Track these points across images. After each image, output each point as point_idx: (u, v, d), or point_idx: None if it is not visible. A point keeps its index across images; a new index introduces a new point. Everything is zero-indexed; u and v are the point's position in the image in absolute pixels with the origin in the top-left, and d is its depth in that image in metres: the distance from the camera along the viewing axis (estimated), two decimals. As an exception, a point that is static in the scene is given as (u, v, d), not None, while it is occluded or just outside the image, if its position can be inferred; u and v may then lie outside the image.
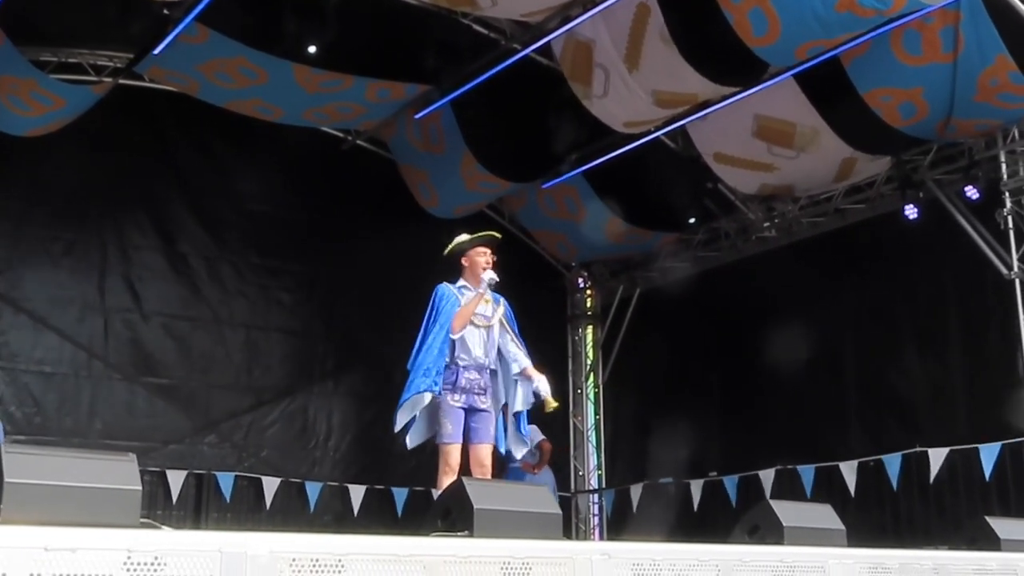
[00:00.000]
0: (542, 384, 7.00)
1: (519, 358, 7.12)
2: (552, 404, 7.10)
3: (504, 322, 7.13)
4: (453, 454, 6.73)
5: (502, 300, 7.12)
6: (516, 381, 7.12)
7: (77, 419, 10.67)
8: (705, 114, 10.64)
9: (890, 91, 9.61)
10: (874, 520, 10.17)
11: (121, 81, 10.54)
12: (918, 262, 10.74)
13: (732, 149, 11.10)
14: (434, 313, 6.84)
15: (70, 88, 10.19)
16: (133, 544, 3.00)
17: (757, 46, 8.91)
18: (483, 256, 6.99)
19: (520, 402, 7.16)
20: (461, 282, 7.02)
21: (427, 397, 6.65)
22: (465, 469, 6.90)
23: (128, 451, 8.87)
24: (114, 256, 11.30)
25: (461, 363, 6.82)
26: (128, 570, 2.97)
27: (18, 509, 3.17)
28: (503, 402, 7.11)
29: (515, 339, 7.16)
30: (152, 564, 3.01)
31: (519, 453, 7.35)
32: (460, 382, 6.77)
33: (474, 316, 6.92)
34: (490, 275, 6.91)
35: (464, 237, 7.11)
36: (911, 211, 10.58)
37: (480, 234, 7.11)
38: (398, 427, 6.78)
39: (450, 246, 7.10)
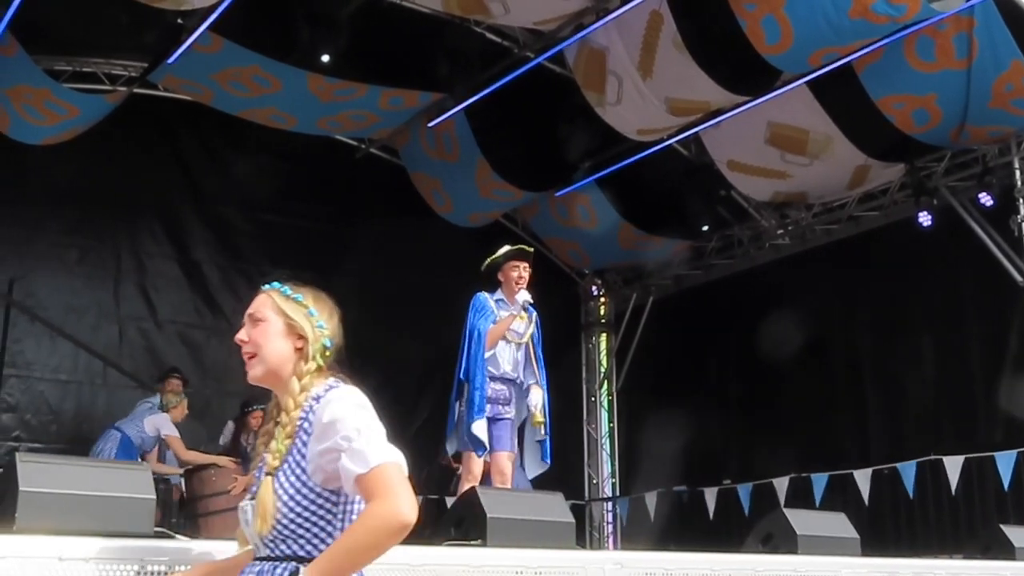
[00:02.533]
0: (534, 395, 7.09)
1: (532, 390, 7.19)
2: (538, 419, 7.13)
3: (531, 341, 7.19)
4: (477, 464, 6.79)
5: (534, 315, 7.17)
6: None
7: (92, 427, 10.68)
8: (718, 122, 10.63)
9: (903, 98, 9.59)
10: (888, 529, 10.13)
11: (135, 90, 10.59)
12: (933, 269, 10.70)
13: (745, 156, 11.08)
14: (471, 326, 6.92)
15: (84, 97, 10.24)
16: (146, 553, 3.01)
17: (770, 54, 8.91)
18: (515, 270, 7.04)
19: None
20: (499, 294, 7.08)
21: (483, 421, 6.69)
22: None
23: (142, 459, 8.83)
24: (128, 264, 11.34)
25: (489, 375, 6.88)
26: (141, 579, 2.98)
27: (33, 518, 3.18)
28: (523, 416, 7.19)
29: (534, 358, 7.22)
30: (165, 573, 3.03)
31: (532, 473, 7.43)
32: (487, 392, 6.83)
33: (507, 332, 6.99)
34: (524, 296, 6.99)
35: (500, 251, 7.15)
36: (925, 218, 10.54)
37: (512, 248, 7.16)
38: (451, 450, 6.93)
39: (487, 262, 7.16)
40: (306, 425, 2.46)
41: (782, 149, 10.75)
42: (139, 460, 8.69)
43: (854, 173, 10.83)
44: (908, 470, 10.26)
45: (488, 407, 6.82)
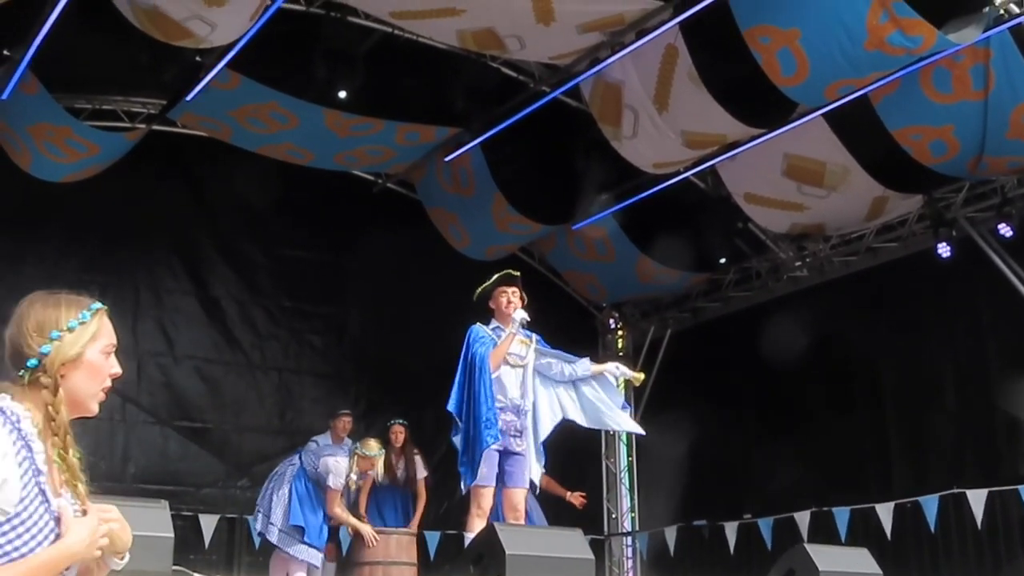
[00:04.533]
0: (621, 368, 7.18)
1: (578, 368, 7.20)
2: (639, 377, 7.30)
3: (542, 351, 7.18)
4: (486, 497, 6.71)
5: (533, 335, 7.15)
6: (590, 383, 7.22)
7: (111, 463, 10.71)
8: (735, 154, 10.62)
9: (920, 129, 9.57)
10: (912, 563, 10.02)
11: (154, 127, 10.67)
12: (953, 300, 10.64)
13: (762, 189, 11.07)
14: (469, 355, 6.85)
15: (104, 135, 10.33)
16: (165, 593, 3.00)
17: (786, 86, 8.91)
18: (504, 296, 7.02)
19: (616, 395, 7.32)
20: (494, 323, 7.05)
21: (494, 453, 6.68)
22: (496, 512, 6.90)
23: (161, 495, 8.91)
24: (147, 300, 11.39)
25: (498, 404, 6.81)
26: (160, 619, 2.96)
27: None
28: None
29: (560, 356, 7.22)
30: (184, 612, 3.01)
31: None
32: (498, 421, 6.77)
33: (508, 355, 6.95)
34: (521, 314, 6.95)
35: (489, 281, 7.16)
36: (944, 249, 10.48)
37: (499, 275, 7.15)
38: (476, 481, 6.74)
39: (477, 292, 7.16)
40: None
41: (799, 181, 10.73)
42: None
43: (872, 204, 10.80)
44: (931, 504, 10.16)
45: (501, 438, 6.77)
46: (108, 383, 2.48)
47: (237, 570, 10.67)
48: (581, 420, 7.37)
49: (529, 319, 7.02)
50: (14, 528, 2.17)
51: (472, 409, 6.73)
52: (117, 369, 2.50)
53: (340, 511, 8.62)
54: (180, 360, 11.40)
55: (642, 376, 7.56)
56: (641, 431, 7.67)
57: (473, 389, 6.74)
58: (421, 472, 9.85)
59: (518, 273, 7.22)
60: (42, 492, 2.28)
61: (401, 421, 9.89)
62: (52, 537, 2.24)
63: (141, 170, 10.71)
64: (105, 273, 11.17)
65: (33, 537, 2.20)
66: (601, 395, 7.37)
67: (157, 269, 11.51)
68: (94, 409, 2.47)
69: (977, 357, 10.48)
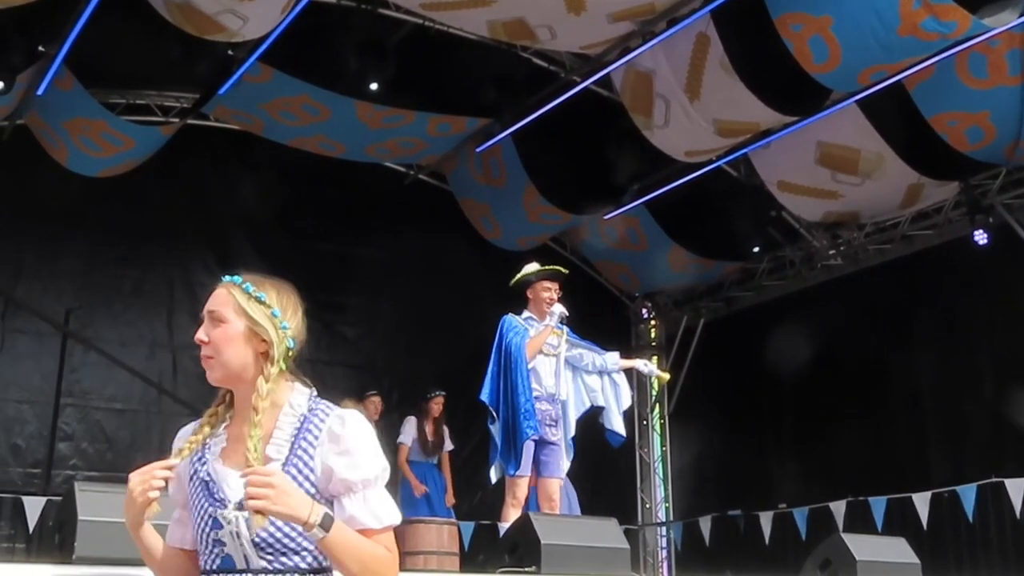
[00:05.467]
0: (650, 365, 7.24)
1: (607, 359, 7.23)
2: (665, 377, 7.40)
3: (572, 342, 7.18)
4: (521, 486, 6.73)
5: (564, 326, 7.14)
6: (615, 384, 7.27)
7: (148, 455, 10.60)
8: (768, 142, 10.57)
9: (956, 115, 9.48)
10: (950, 553, 9.94)
11: (188, 121, 10.73)
12: (990, 288, 10.53)
13: (796, 177, 10.99)
14: (504, 344, 6.85)
15: (139, 129, 10.39)
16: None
17: (819, 73, 8.85)
18: (547, 292, 6.99)
19: (626, 400, 7.36)
20: (526, 313, 7.04)
21: (530, 443, 6.70)
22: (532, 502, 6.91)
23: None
24: (181, 294, 11.45)
25: (535, 394, 6.82)
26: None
27: (92, 547, 3.21)
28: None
29: (590, 348, 7.24)
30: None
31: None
32: (535, 415, 6.77)
33: (544, 345, 6.96)
34: (560, 309, 6.95)
35: (531, 268, 7.12)
36: (981, 236, 10.37)
37: (546, 268, 7.11)
38: (514, 471, 6.79)
39: (518, 276, 7.13)
40: (310, 437, 2.40)
41: (833, 169, 10.66)
42: None
43: (907, 192, 10.70)
44: (968, 493, 10.08)
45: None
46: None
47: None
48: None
49: (568, 315, 7.03)
50: None
51: (511, 400, 6.73)
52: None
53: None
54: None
55: (668, 376, 7.64)
56: (623, 435, 7.67)
57: (510, 380, 6.75)
58: (448, 445, 10.21)
59: (566, 271, 7.21)
60: None
61: (442, 392, 10.17)
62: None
63: (175, 164, 10.77)
64: (140, 267, 11.27)
65: None
66: (610, 395, 7.41)
67: (191, 263, 11.58)
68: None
69: (1015, 345, 10.35)
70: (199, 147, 11.20)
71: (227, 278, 2.57)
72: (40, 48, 8.89)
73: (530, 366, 6.81)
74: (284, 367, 2.47)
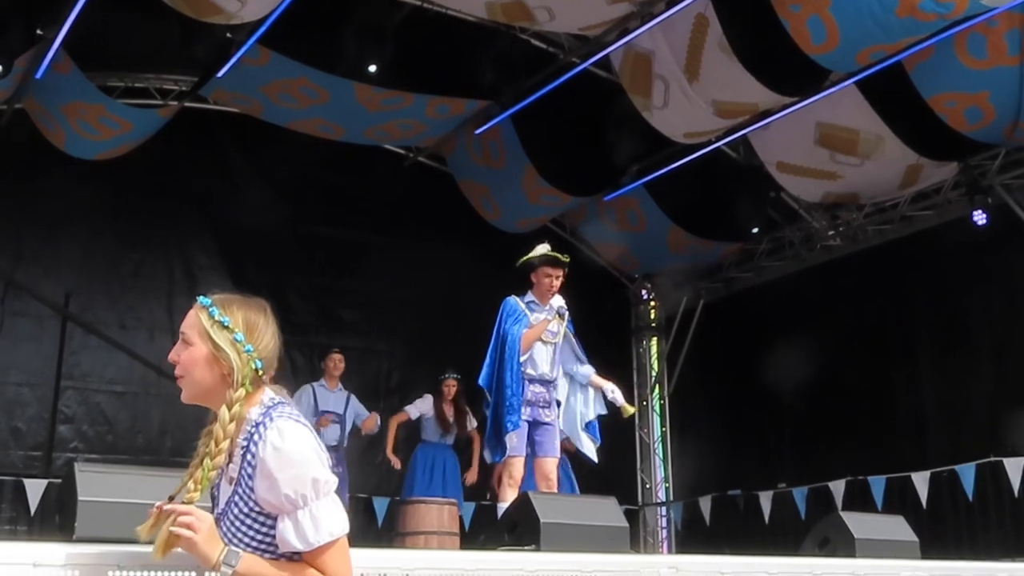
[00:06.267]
0: (617, 394, 7.18)
1: (582, 370, 7.23)
2: (629, 410, 7.33)
3: (568, 335, 7.21)
4: (517, 467, 6.78)
5: (566, 314, 7.15)
6: (584, 392, 7.25)
7: (148, 437, 10.84)
8: (767, 123, 10.56)
9: (955, 96, 9.47)
10: (948, 532, 9.97)
11: (186, 104, 10.72)
12: (989, 268, 10.54)
13: (795, 158, 10.99)
14: (502, 331, 6.89)
15: (137, 112, 10.38)
16: (204, 561, 3.03)
17: (817, 53, 8.82)
18: (549, 278, 7.00)
19: (592, 411, 7.32)
20: (529, 297, 7.06)
21: (524, 424, 6.74)
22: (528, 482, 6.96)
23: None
24: (180, 277, 11.47)
25: (528, 376, 6.86)
26: (199, 587, 3.01)
27: (92, 527, 3.23)
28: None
29: (576, 351, 7.25)
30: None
31: (592, 453, 7.51)
32: (526, 395, 6.81)
33: (542, 333, 7.00)
34: (559, 302, 6.98)
35: (538, 252, 7.11)
36: (980, 217, 10.37)
37: (550, 253, 7.11)
38: (492, 459, 6.98)
39: (524, 258, 7.14)
40: (249, 457, 2.48)
41: (832, 149, 10.65)
42: None
43: (906, 173, 10.70)
44: (967, 472, 10.11)
45: (528, 410, 6.83)
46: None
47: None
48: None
49: (567, 309, 7.05)
50: None
51: (499, 391, 6.79)
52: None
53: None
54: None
55: (633, 410, 7.61)
56: (594, 459, 7.68)
57: (501, 371, 6.80)
58: (471, 424, 10.28)
59: (568, 259, 7.21)
60: None
61: (455, 375, 10.18)
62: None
63: (174, 147, 10.76)
64: (140, 250, 11.28)
65: None
66: (579, 409, 7.43)
67: (190, 246, 11.60)
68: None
69: (1013, 325, 10.37)
70: (198, 130, 11.17)
71: (200, 298, 2.65)
72: (38, 31, 8.87)
73: (524, 357, 6.85)
74: (250, 389, 2.53)
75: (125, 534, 3.15)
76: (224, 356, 2.53)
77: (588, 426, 7.40)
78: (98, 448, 10.59)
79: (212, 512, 2.56)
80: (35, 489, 9.88)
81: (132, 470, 3.66)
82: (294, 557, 2.46)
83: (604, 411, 7.49)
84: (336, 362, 9.95)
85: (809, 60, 8.90)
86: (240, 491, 2.48)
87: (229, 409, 2.49)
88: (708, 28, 9.29)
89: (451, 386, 10.22)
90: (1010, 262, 10.36)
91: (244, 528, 2.46)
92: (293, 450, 2.44)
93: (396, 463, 10.08)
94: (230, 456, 2.53)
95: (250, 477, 2.46)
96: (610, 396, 7.27)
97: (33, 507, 9.82)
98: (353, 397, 9.89)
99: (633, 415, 8.00)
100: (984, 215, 10.34)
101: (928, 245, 11.27)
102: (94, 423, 10.77)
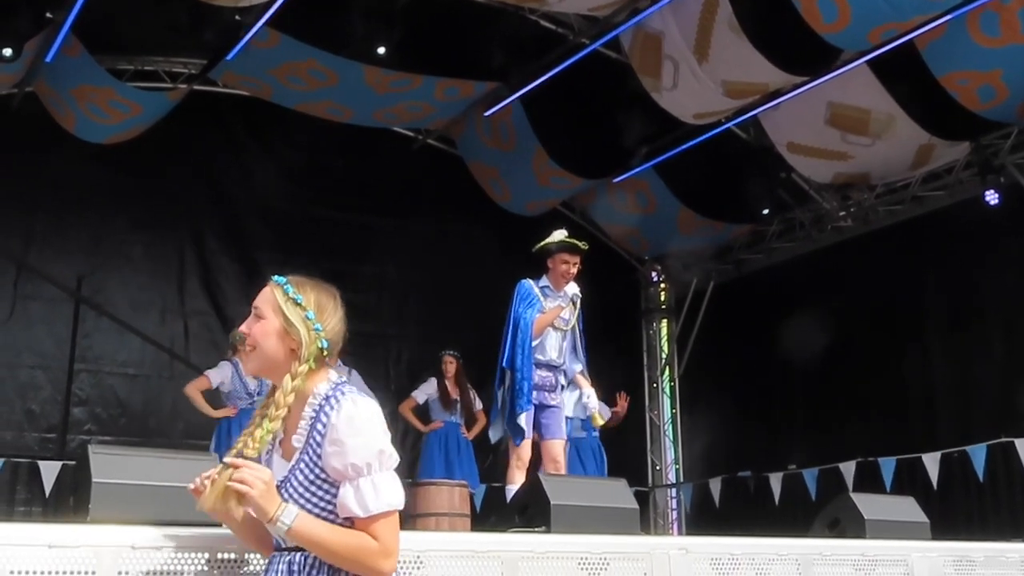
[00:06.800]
0: (591, 399, 7.16)
1: (573, 365, 7.23)
2: (598, 422, 7.32)
3: (577, 327, 7.21)
4: (525, 449, 6.80)
5: (579, 301, 7.15)
6: (570, 387, 7.29)
7: (160, 420, 10.88)
8: (777, 103, 10.51)
9: (968, 74, 9.41)
10: (959, 513, 9.97)
11: (195, 87, 10.72)
12: (1001, 248, 10.49)
13: (805, 138, 10.95)
14: (515, 312, 6.91)
15: (146, 95, 10.40)
16: (217, 542, 3.06)
17: (828, 32, 8.79)
18: (565, 264, 6.99)
19: (569, 409, 7.36)
20: (544, 281, 7.07)
21: (524, 417, 6.76)
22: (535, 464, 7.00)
23: (208, 450, 8.97)
24: (191, 260, 11.51)
25: (535, 362, 6.88)
26: (212, 568, 3.03)
27: (106, 508, 3.25)
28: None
29: (578, 343, 7.24)
30: (236, 562, 3.07)
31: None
32: (531, 389, 6.83)
33: (555, 320, 7.01)
34: (574, 290, 6.98)
35: (556, 238, 7.10)
36: (992, 196, 10.33)
37: (568, 240, 7.10)
38: (494, 439, 7.08)
39: (541, 243, 7.13)
40: (319, 426, 2.61)
41: (843, 130, 10.60)
42: None
43: (918, 152, 10.65)
44: (978, 453, 10.10)
45: (535, 394, 6.84)
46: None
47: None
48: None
49: (581, 296, 7.05)
50: None
51: (511, 374, 6.81)
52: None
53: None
54: (226, 319, 11.52)
55: (602, 422, 7.65)
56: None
57: (513, 354, 6.82)
58: (477, 403, 10.36)
59: (586, 246, 7.19)
60: None
61: (453, 352, 10.29)
62: None
63: (184, 130, 10.77)
64: (150, 233, 11.30)
65: None
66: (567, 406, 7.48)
67: (200, 229, 11.61)
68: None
69: (1026, 305, 10.35)
70: (207, 113, 11.18)
71: (274, 278, 2.82)
72: (48, 15, 8.86)
73: (536, 342, 6.87)
74: (314, 366, 2.67)
75: (139, 515, 3.18)
76: (295, 331, 2.68)
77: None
78: (111, 430, 10.64)
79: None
80: (49, 471, 9.93)
81: (145, 452, 3.68)
82: (346, 524, 2.57)
83: (573, 415, 7.57)
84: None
85: (820, 39, 8.86)
86: (306, 459, 2.59)
87: (292, 380, 2.63)
88: (718, 7, 9.25)
89: (449, 362, 10.28)
90: (1022, 242, 10.32)
91: (308, 495, 2.57)
92: (365, 420, 2.59)
93: (434, 425, 10.23)
94: (287, 429, 2.66)
95: (318, 445, 2.58)
96: (584, 400, 7.28)
97: (48, 489, 9.87)
98: (355, 372, 9.86)
99: (601, 427, 8.07)
100: (996, 195, 10.30)
101: (940, 225, 11.22)
102: (107, 405, 10.82)
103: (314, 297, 2.78)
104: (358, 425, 2.57)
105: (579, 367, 7.24)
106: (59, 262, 10.84)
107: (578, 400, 7.45)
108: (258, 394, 8.98)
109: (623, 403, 10.18)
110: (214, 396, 9.07)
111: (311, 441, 2.60)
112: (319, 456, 2.57)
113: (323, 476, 2.57)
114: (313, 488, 2.58)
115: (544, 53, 10.59)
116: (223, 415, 8.92)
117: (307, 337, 2.67)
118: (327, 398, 2.62)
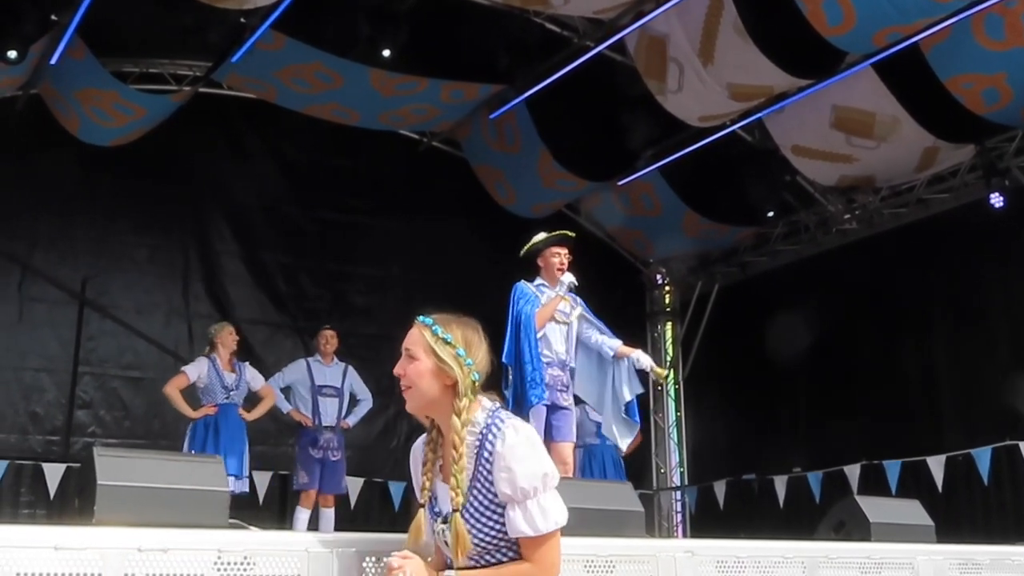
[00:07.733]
0: (643, 357, 7.16)
1: (608, 342, 7.22)
2: (662, 373, 7.31)
3: (585, 316, 7.21)
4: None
5: (577, 298, 7.18)
6: (617, 369, 7.25)
7: (165, 422, 10.87)
8: (782, 106, 10.52)
9: (972, 77, 9.41)
10: (964, 516, 9.96)
11: (200, 89, 10.73)
12: (1006, 251, 10.48)
13: (810, 141, 10.94)
14: (516, 310, 6.90)
15: (151, 98, 10.41)
16: (223, 544, 3.05)
17: (833, 35, 8.79)
18: (557, 257, 7.03)
19: (628, 391, 7.31)
20: (539, 280, 7.08)
21: (542, 408, 6.74)
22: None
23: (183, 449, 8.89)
24: (196, 262, 11.51)
25: (545, 359, 6.87)
26: (218, 570, 3.02)
27: (111, 511, 3.25)
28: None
29: (598, 326, 7.24)
30: (242, 564, 3.07)
31: (625, 443, 7.49)
32: (544, 379, 6.81)
33: (555, 313, 7.00)
34: (570, 278, 7.00)
35: (539, 237, 7.15)
36: (997, 199, 10.32)
37: (553, 233, 7.15)
38: None
39: (526, 247, 7.16)
40: (485, 454, 2.78)
41: (848, 132, 10.60)
42: None
43: (922, 155, 10.64)
44: (983, 456, 10.09)
45: (547, 394, 6.82)
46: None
47: (290, 525, 10.82)
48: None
49: (577, 283, 7.05)
50: None
51: (519, 369, 6.78)
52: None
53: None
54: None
55: (665, 373, 7.61)
56: (624, 449, 7.69)
57: (519, 350, 6.79)
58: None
59: (573, 234, 7.21)
60: None
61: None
62: None
63: (188, 133, 10.79)
64: (155, 235, 11.31)
65: None
66: (618, 392, 7.41)
67: (205, 231, 11.62)
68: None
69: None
70: (212, 115, 11.20)
71: (420, 318, 2.98)
72: (53, 17, 8.87)
73: (540, 335, 6.85)
74: (472, 398, 2.83)
75: (144, 517, 3.17)
76: (448, 368, 2.84)
77: (628, 408, 7.39)
78: (115, 433, 10.65)
79: (422, 508, 2.89)
80: (54, 473, 9.95)
81: (150, 455, 3.68)
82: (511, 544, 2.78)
83: (641, 389, 7.51)
84: (328, 339, 9.78)
85: (825, 42, 8.87)
86: (479, 486, 2.77)
87: (459, 417, 2.80)
88: (723, 10, 9.25)
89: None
90: (1027, 245, 10.32)
91: (484, 519, 2.75)
92: (528, 446, 2.78)
93: None
94: (444, 455, 2.85)
95: (488, 472, 2.76)
96: (638, 365, 7.29)
97: (52, 491, 9.88)
98: (351, 369, 9.81)
99: (667, 377, 7.99)
100: (1001, 198, 10.29)
101: (945, 228, 11.21)
102: (111, 408, 10.83)
103: (460, 333, 2.92)
104: (522, 452, 2.75)
105: (618, 341, 7.28)
106: (64, 265, 10.85)
107: (629, 377, 7.39)
108: (234, 389, 9.05)
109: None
110: (189, 394, 9.06)
111: (480, 469, 2.77)
112: (491, 483, 2.75)
113: (496, 501, 2.75)
114: (488, 512, 2.75)
115: (549, 56, 10.59)
116: (203, 414, 8.94)
117: (461, 373, 2.83)
118: (488, 427, 2.79)
